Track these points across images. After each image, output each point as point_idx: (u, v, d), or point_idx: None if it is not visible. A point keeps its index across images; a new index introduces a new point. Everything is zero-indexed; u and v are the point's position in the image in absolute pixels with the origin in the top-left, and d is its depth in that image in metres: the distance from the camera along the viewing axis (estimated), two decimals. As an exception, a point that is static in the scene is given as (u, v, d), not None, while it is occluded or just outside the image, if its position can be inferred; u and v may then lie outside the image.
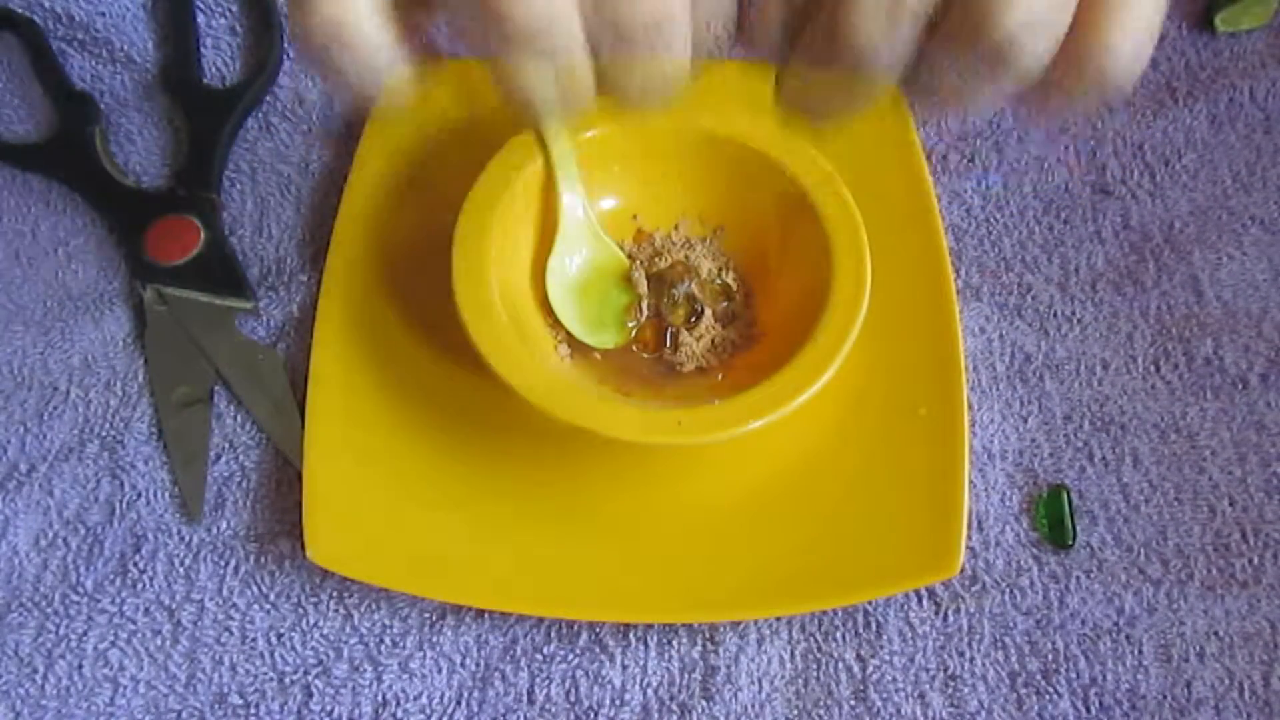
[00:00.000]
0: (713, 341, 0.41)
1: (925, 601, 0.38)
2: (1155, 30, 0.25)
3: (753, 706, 0.36)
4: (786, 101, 0.27)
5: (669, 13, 0.24)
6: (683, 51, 0.25)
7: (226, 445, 0.40)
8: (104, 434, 0.41)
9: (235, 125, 0.46)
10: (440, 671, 0.37)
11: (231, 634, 0.37)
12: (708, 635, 0.37)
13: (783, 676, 0.37)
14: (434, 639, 0.37)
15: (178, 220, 0.44)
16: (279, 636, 0.37)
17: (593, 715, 0.36)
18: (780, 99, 0.28)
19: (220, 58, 0.48)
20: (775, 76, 0.28)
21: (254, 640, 0.37)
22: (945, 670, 0.37)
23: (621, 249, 0.42)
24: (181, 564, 0.38)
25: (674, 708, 0.36)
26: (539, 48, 0.24)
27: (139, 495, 0.39)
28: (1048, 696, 0.36)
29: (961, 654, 0.37)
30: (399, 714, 0.36)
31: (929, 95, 0.26)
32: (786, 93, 0.27)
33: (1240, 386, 0.41)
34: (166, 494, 0.40)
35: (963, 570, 0.37)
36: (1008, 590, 0.38)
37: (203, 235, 0.44)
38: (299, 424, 0.40)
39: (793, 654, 0.37)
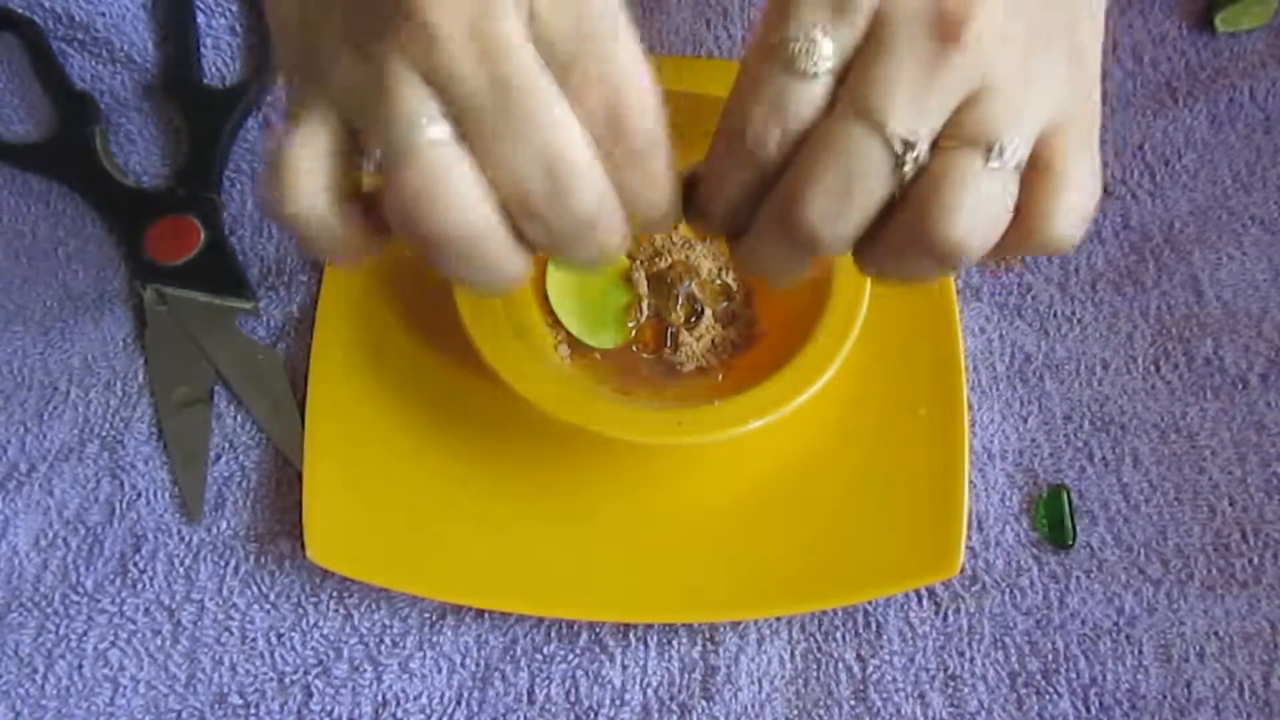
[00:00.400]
0: (713, 341, 0.41)
1: (925, 601, 0.38)
2: (1096, 197, 0.26)
3: (753, 706, 0.36)
4: (741, 265, 0.29)
5: (598, 215, 0.25)
6: (620, 238, 0.26)
7: (226, 445, 0.40)
8: (104, 434, 0.41)
9: (235, 125, 0.46)
10: (440, 671, 0.37)
11: (231, 634, 0.37)
12: (708, 635, 0.37)
13: (783, 676, 0.37)
14: (434, 639, 0.37)
15: (178, 220, 0.44)
16: (279, 636, 0.37)
17: (593, 715, 0.36)
18: (735, 262, 0.31)
19: (220, 58, 0.48)
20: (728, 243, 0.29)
21: (254, 640, 0.37)
22: (945, 670, 0.37)
23: (621, 249, 0.42)
24: (181, 564, 0.38)
25: (674, 708, 0.36)
26: (462, 252, 0.25)
27: (139, 495, 0.39)
28: (1048, 696, 0.36)
29: (961, 654, 0.37)
30: (399, 714, 0.36)
31: (877, 270, 0.27)
32: (739, 258, 0.29)
33: (1240, 386, 0.41)
34: (166, 494, 0.40)
35: (963, 570, 0.37)
36: (1008, 590, 0.38)
37: (203, 235, 0.44)
38: (299, 424, 0.40)
39: (793, 654, 0.37)
